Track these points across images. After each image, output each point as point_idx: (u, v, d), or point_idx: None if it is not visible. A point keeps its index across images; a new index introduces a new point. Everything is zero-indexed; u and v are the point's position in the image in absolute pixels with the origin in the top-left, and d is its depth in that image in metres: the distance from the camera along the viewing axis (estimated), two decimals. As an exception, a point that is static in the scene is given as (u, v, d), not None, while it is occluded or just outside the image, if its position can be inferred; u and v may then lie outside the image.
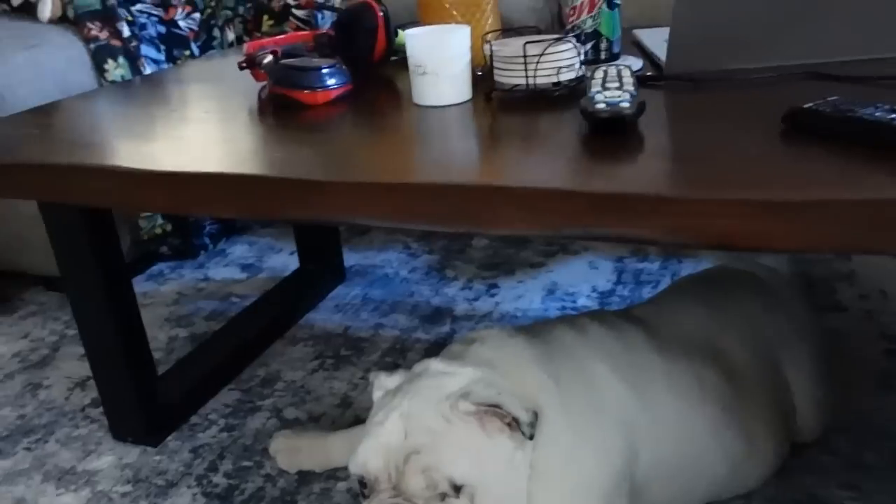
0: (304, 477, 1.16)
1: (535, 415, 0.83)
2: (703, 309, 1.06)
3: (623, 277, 1.66)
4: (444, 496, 0.79)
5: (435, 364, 0.89)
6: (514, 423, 0.81)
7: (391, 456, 0.80)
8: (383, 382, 0.90)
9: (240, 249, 1.98)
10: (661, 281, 1.62)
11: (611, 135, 0.84)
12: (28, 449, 1.29)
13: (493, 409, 0.81)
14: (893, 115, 0.72)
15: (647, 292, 1.58)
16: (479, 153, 0.90)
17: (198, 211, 0.98)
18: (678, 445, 0.94)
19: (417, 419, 0.81)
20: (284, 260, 1.89)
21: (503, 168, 0.83)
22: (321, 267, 1.75)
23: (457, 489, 0.79)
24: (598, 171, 0.78)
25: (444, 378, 0.86)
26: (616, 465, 0.89)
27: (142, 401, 1.26)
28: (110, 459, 1.24)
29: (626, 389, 0.93)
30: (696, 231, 0.70)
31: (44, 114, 1.21)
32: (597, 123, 0.84)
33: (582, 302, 1.57)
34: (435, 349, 1.45)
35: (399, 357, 1.45)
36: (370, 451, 0.81)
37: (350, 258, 1.84)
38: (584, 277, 1.67)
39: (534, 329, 0.98)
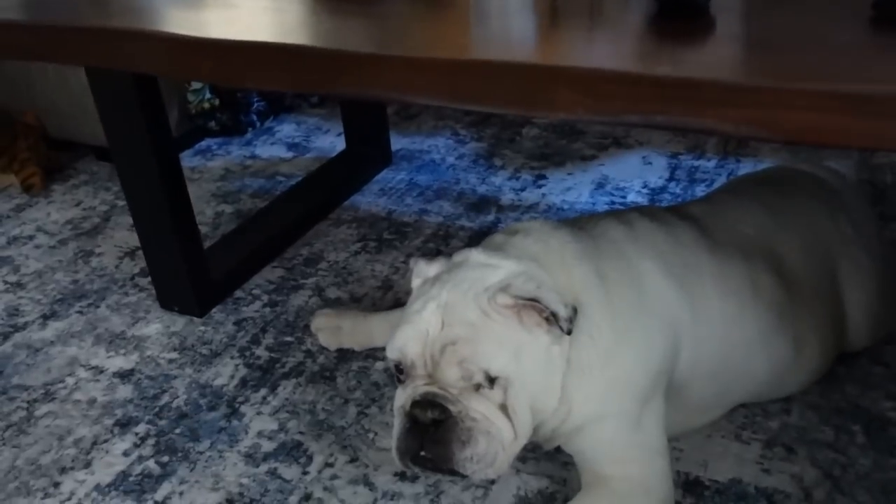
0: (344, 355, 1.18)
1: (575, 310, 0.81)
2: (760, 209, 1.01)
3: (676, 174, 1.60)
4: (478, 386, 0.79)
5: (476, 254, 0.87)
6: (552, 318, 0.80)
7: (428, 345, 0.80)
8: (423, 270, 0.89)
9: (287, 128, 1.96)
10: (717, 180, 1.56)
11: (681, 18, 0.78)
12: (80, 312, 1.34)
13: (531, 303, 0.79)
14: None
15: (700, 191, 1.53)
16: (539, 31, 0.84)
17: (245, 82, 0.95)
18: (722, 347, 0.93)
19: (455, 310, 0.80)
20: (331, 141, 1.87)
21: (563, 48, 0.78)
22: (368, 149, 1.73)
23: (491, 381, 0.79)
24: (664, 56, 0.73)
25: (484, 269, 0.84)
26: (655, 363, 0.88)
27: (188, 272, 1.28)
28: (158, 327, 1.28)
29: (673, 289, 0.91)
30: (769, 123, 0.66)
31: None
32: (666, 4, 0.78)
33: (632, 197, 1.53)
34: (478, 238, 1.43)
35: (442, 243, 1.44)
36: (408, 339, 0.81)
37: (397, 142, 1.81)
38: (636, 172, 1.62)
39: (580, 222, 0.96)
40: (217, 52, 0.88)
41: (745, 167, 1.59)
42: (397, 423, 0.82)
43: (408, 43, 0.83)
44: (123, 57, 0.97)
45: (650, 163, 1.66)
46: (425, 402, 0.79)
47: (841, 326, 1.02)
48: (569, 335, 0.81)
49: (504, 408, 0.80)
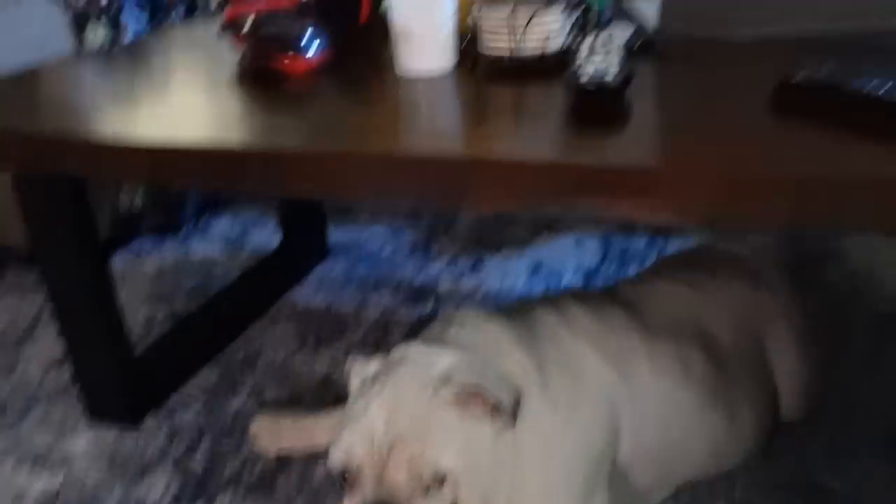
0: (284, 460, 1.14)
1: (518, 398, 0.80)
2: (687, 288, 1.04)
3: (609, 255, 1.63)
4: (427, 488, 0.76)
5: (414, 348, 0.86)
6: (496, 408, 0.78)
7: (375, 446, 0.77)
8: (361, 369, 0.87)
9: (223, 224, 1.94)
10: (647, 258, 1.59)
11: (597, 107, 0.81)
12: (1, 432, 1.26)
13: (475, 394, 0.78)
14: (882, 90, 0.69)
15: (632, 270, 1.55)
16: (464, 124, 0.87)
17: (180, 183, 0.96)
18: (661, 426, 0.93)
19: (400, 407, 0.78)
20: (268, 235, 1.86)
21: (488, 140, 0.80)
22: (305, 243, 1.72)
23: (441, 480, 0.76)
24: (584, 145, 0.76)
25: (425, 363, 0.83)
26: (597, 448, 0.88)
27: (119, 381, 1.24)
28: (86, 441, 1.22)
29: (609, 371, 0.91)
30: (682, 208, 0.68)
31: (21, 79, 1.17)
32: (583, 96, 0.81)
33: (567, 280, 1.55)
34: (418, 328, 1.42)
35: (382, 335, 1.42)
36: (353, 441, 0.78)
37: (334, 234, 1.80)
38: (569, 255, 1.65)
39: (514, 310, 0.96)
40: (150, 154, 0.88)
41: (674, 245, 1.63)
42: None
43: (339, 139, 0.84)
44: (53, 161, 0.95)
45: (583, 245, 1.69)
46: None
47: (774, 398, 1.03)
48: (514, 424, 0.80)
49: None
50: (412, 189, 0.80)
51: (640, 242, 1.66)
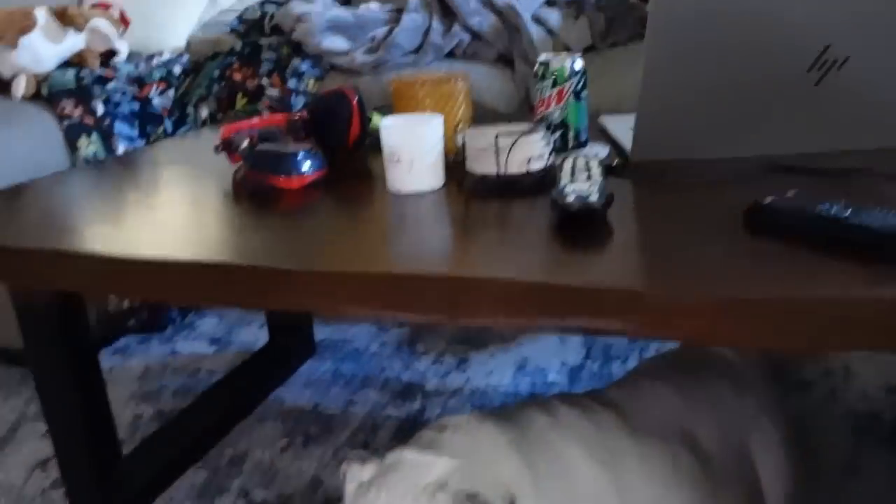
0: (273, 564, 1.13)
1: (512, 503, 0.82)
2: (673, 391, 1.07)
3: (592, 353, 1.67)
4: None
5: (408, 454, 0.89)
6: None
7: None
8: (356, 474, 0.89)
9: (209, 323, 1.96)
10: (630, 356, 1.63)
11: (581, 226, 0.87)
12: (-16, 536, 1.25)
13: (470, 501, 0.80)
14: (846, 214, 0.76)
15: (616, 367, 1.59)
16: (454, 243, 0.91)
17: (174, 299, 0.98)
18: (651, 531, 0.95)
19: None
20: (254, 333, 1.88)
21: (478, 259, 0.85)
22: (291, 341, 1.74)
23: None
24: (570, 263, 0.80)
25: (419, 469, 0.85)
26: None
27: (105, 484, 1.23)
28: (70, 547, 1.21)
29: (601, 474, 0.94)
30: (665, 327, 0.72)
31: (14, 194, 1.21)
32: (567, 215, 0.86)
33: (552, 377, 1.58)
34: (406, 427, 1.44)
35: (370, 435, 1.43)
36: None
37: (321, 332, 1.83)
38: (554, 352, 1.69)
39: (505, 413, 0.99)
40: (143, 271, 0.91)
41: (655, 344, 1.67)
42: None
43: (332, 257, 0.89)
44: (47, 277, 0.98)
45: (567, 343, 1.73)
46: None
47: (759, 499, 1.06)
48: None
49: None
50: (403, 307, 0.84)
51: (622, 341, 1.71)
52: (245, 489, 1.31)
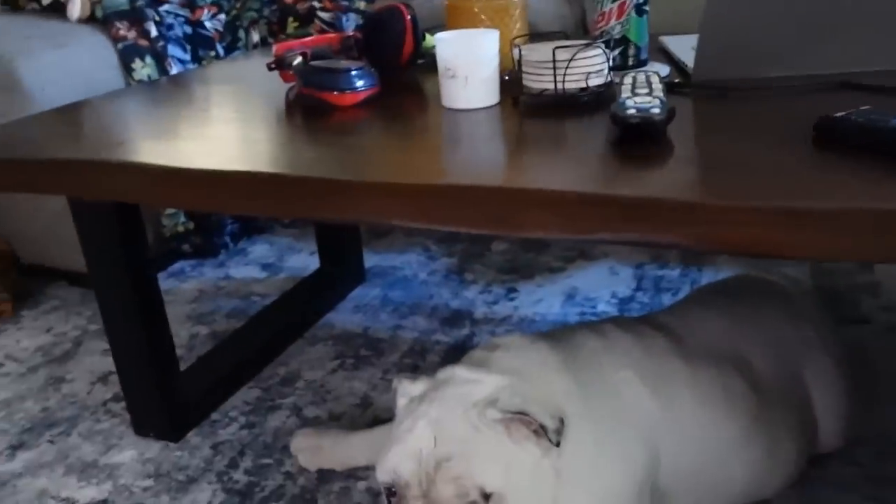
0: (325, 475, 1.17)
1: (562, 421, 0.83)
2: (727, 317, 1.05)
3: (643, 284, 1.66)
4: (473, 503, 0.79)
5: (460, 371, 0.89)
6: (540, 431, 0.81)
7: (422, 463, 0.80)
8: (407, 389, 0.90)
9: (260, 249, 1.99)
10: (681, 288, 1.61)
11: (640, 141, 0.84)
12: (51, 441, 1.31)
13: (519, 417, 0.81)
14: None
15: (666, 299, 1.57)
16: (509, 156, 0.90)
17: (228, 209, 0.99)
18: (700, 453, 0.94)
19: (446, 427, 0.81)
20: (304, 260, 1.90)
21: (533, 171, 0.84)
22: (341, 268, 1.76)
23: (486, 497, 0.79)
24: (627, 177, 0.79)
25: (470, 385, 0.86)
26: (638, 472, 0.90)
27: (164, 397, 1.27)
28: (132, 454, 1.26)
29: (650, 397, 0.93)
30: (724, 238, 0.70)
31: (73, 112, 1.23)
32: (627, 129, 0.84)
33: (601, 307, 1.57)
34: (454, 351, 1.45)
35: (419, 359, 1.45)
36: (400, 458, 0.81)
37: (370, 259, 1.85)
38: (603, 283, 1.67)
39: (556, 335, 0.99)
40: (203, 181, 0.92)
41: (707, 276, 1.65)
42: None
43: (383, 169, 0.88)
44: (110, 188, 1.00)
45: (616, 273, 1.71)
46: None
47: (811, 429, 1.04)
48: (557, 447, 0.82)
49: None
50: (455, 219, 0.83)
51: (673, 272, 1.68)
52: (297, 406, 1.34)
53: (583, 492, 0.85)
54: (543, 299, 1.63)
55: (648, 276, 1.68)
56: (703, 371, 0.97)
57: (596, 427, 0.88)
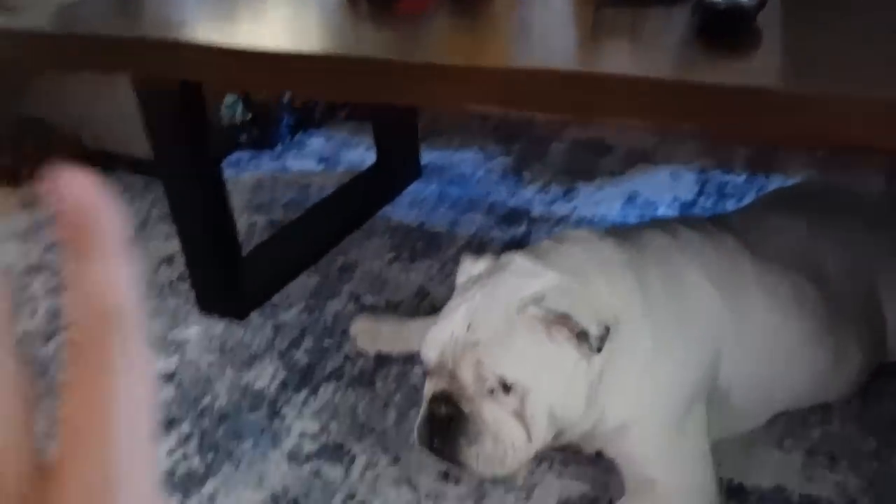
0: (382, 359, 1.19)
1: (607, 329, 0.82)
2: (800, 221, 1.03)
3: (706, 189, 1.62)
4: (492, 391, 0.81)
5: (520, 260, 0.89)
6: (582, 335, 0.81)
7: (451, 345, 0.82)
8: (469, 267, 0.91)
9: (317, 142, 1.99)
10: (746, 195, 1.57)
11: (728, 28, 0.80)
12: (120, 317, 1.36)
13: (562, 319, 0.81)
14: None
15: (730, 206, 1.54)
16: (586, 43, 0.87)
17: (297, 89, 0.98)
18: (765, 356, 0.94)
19: (484, 314, 0.82)
20: (361, 154, 1.90)
21: (612, 58, 0.81)
22: (398, 162, 1.75)
23: (506, 388, 0.80)
24: (712, 65, 0.75)
25: (524, 278, 0.86)
26: (695, 374, 0.90)
27: (228, 278, 1.31)
28: (197, 330, 1.30)
29: (718, 298, 0.92)
30: (819, 131, 0.68)
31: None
32: (714, 17, 0.80)
33: (662, 211, 1.55)
34: (511, 247, 1.44)
35: (476, 253, 1.45)
36: (435, 336, 0.84)
37: (426, 156, 1.83)
38: (665, 187, 1.64)
39: (625, 232, 0.97)
40: (265, 62, 0.91)
41: (775, 183, 1.60)
42: (420, 411, 0.85)
43: (456, 53, 0.86)
44: (172, 67, 1.00)
45: (679, 178, 1.67)
46: (441, 398, 0.82)
47: (881, 338, 1.03)
48: (598, 352, 0.82)
49: (519, 414, 0.81)
50: (528, 102, 0.81)
51: (738, 178, 1.64)
52: (356, 294, 1.37)
53: (632, 389, 0.86)
54: (603, 201, 1.61)
55: (712, 182, 1.64)
56: (773, 274, 0.96)
57: (655, 328, 0.88)
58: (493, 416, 0.81)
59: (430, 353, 0.85)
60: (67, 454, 0.21)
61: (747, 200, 1.52)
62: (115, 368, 0.21)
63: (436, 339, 0.84)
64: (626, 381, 0.87)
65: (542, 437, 0.83)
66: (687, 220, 1.00)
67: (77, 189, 0.21)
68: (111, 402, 0.21)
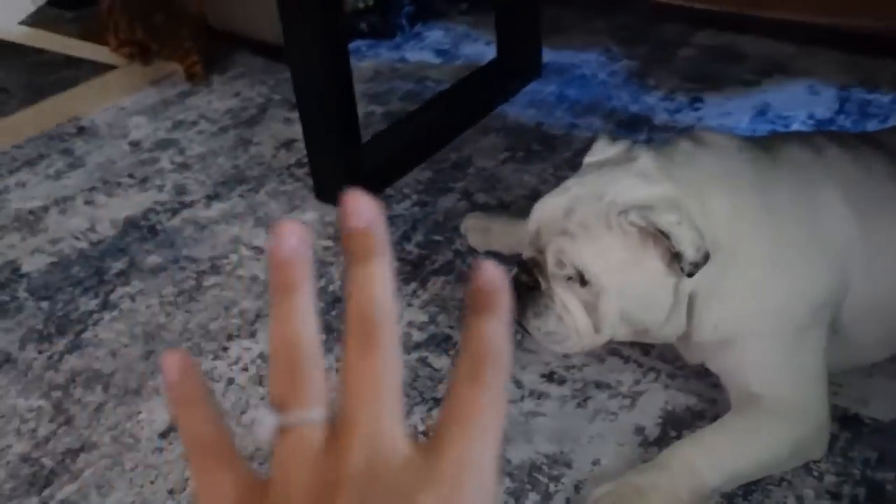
0: (492, 257, 1.20)
1: (706, 257, 0.79)
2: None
3: (846, 107, 1.51)
4: (569, 278, 0.83)
5: (645, 159, 0.86)
6: (676, 256, 0.79)
7: (548, 223, 0.85)
8: (601, 148, 0.91)
9: (436, 34, 1.96)
10: (890, 116, 1.46)
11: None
12: (241, 196, 1.41)
13: (661, 235, 0.79)
14: None
15: (871, 126, 1.43)
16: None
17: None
18: (898, 286, 0.89)
19: (585, 206, 0.83)
20: (480, 49, 1.86)
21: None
22: (518, 60, 1.71)
23: (583, 280, 0.82)
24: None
25: (640, 180, 0.84)
26: (815, 297, 0.85)
27: (345, 166, 1.32)
28: (314, 216, 1.34)
29: (854, 224, 0.86)
30: None
31: None
32: None
33: (796, 127, 1.46)
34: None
35: (592, 159, 1.42)
36: (539, 208, 0.88)
37: (547, 55, 1.77)
38: (800, 102, 1.54)
39: (767, 142, 0.92)
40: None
41: (926, 104, 1.48)
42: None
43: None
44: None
45: (817, 93, 1.57)
46: (526, 266, 0.87)
47: None
48: (689, 277, 0.80)
49: (591, 306, 0.84)
50: None
51: (884, 98, 1.52)
52: (468, 191, 1.37)
53: (738, 309, 0.84)
54: (731, 113, 1.52)
55: (854, 100, 1.53)
56: (920, 202, 0.89)
57: (773, 247, 0.84)
58: (564, 300, 0.85)
59: (531, 224, 0.88)
60: (445, 433, 0.28)
61: (892, 122, 1.41)
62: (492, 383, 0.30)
63: (538, 211, 0.88)
64: (732, 297, 0.85)
65: (610, 332, 0.86)
66: (832, 136, 0.94)
67: (363, 210, 0.31)
68: (492, 402, 0.29)
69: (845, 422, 0.90)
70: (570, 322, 0.85)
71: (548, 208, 0.86)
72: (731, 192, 0.85)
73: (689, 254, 0.78)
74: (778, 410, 0.84)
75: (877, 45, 1.61)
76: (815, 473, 0.85)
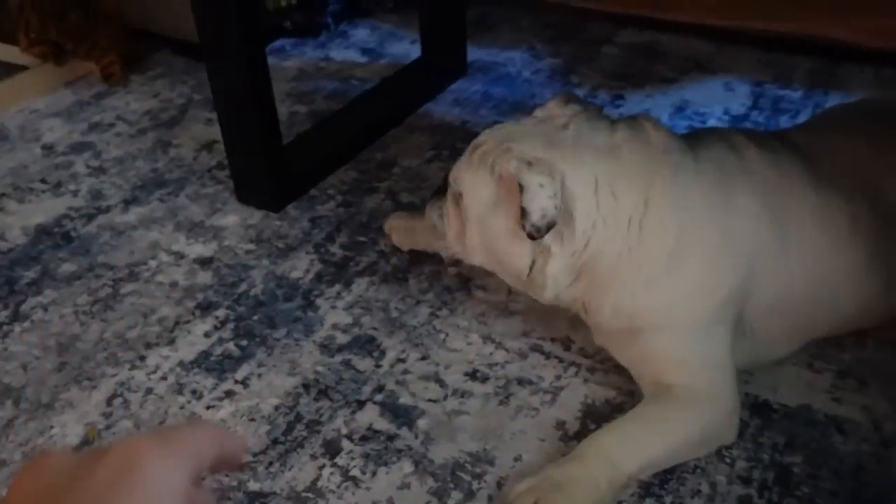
0: (416, 257, 1.20)
1: (549, 226, 0.82)
2: (861, 140, 0.98)
3: (760, 103, 1.56)
4: (457, 195, 0.94)
5: (573, 130, 0.88)
6: (524, 213, 0.82)
7: (470, 149, 0.94)
8: (550, 106, 0.95)
9: (361, 33, 1.94)
10: (802, 111, 1.51)
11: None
12: (161, 200, 1.37)
13: (519, 186, 0.82)
14: None
15: (784, 121, 1.48)
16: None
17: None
18: (811, 281, 0.91)
19: (487, 145, 0.90)
20: (406, 48, 1.85)
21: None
22: (444, 58, 1.71)
23: (460, 202, 0.93)
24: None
25: (546, 144, 0.86)
26: (715, 296, 0.87)
27: (267, 167, 1.30)
28: (235, 219, 1.31)
29: (766, 220, 0.88)
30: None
31: None
32: None
33: (712, 123, 1.50)
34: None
35: (516, 157, 1.43)
36: (478, 138, 0.95)
37: (473, 53, 1.78)
38: (717, 98, 1.58)
39: (690, 142, 0.93)
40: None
41: (833, 100, 1.53)
42: None
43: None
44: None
45: (732, 89, 1.61)
46: (444, 176, 0.99)
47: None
48: (530, 239, 0.84)
49: (462, 225, 0.94)
50: None
51: (795, 93, 1.57)
52: (393, 191, 1.36)
53: (630, 299, 0.87)
54: (651, 109, 1.55)
55: (767, 95, 1.58)
56: (831, 196, 0.91)
57: (675, 245, 0.86)
58: (449, 208, 0.96)
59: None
60: None
61: (803, 117, 1.46)
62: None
63: (479, 136, 0.94)
64: (626, 287, 0.87)
65: (477, 257, 0.95)
66: (751, 136, 0.94)
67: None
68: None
69: (755, 408, 0.93)
70: (446, 221, 0.97)
71: (481, 137, 0.93)
72: (645, 187, 0.86)
73: (534, 216, 0.81)
74: (688, 398, 0.86)
75: (791, 42, 1.67)
76: (728, 460, 0.88)
